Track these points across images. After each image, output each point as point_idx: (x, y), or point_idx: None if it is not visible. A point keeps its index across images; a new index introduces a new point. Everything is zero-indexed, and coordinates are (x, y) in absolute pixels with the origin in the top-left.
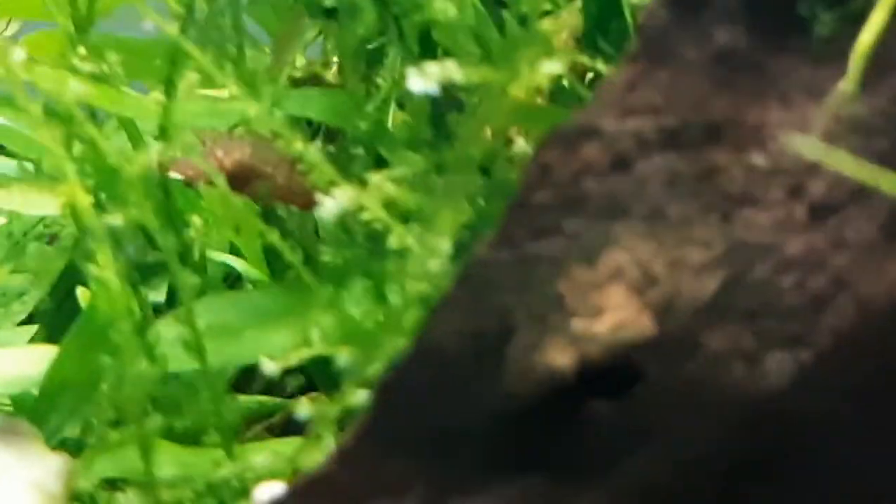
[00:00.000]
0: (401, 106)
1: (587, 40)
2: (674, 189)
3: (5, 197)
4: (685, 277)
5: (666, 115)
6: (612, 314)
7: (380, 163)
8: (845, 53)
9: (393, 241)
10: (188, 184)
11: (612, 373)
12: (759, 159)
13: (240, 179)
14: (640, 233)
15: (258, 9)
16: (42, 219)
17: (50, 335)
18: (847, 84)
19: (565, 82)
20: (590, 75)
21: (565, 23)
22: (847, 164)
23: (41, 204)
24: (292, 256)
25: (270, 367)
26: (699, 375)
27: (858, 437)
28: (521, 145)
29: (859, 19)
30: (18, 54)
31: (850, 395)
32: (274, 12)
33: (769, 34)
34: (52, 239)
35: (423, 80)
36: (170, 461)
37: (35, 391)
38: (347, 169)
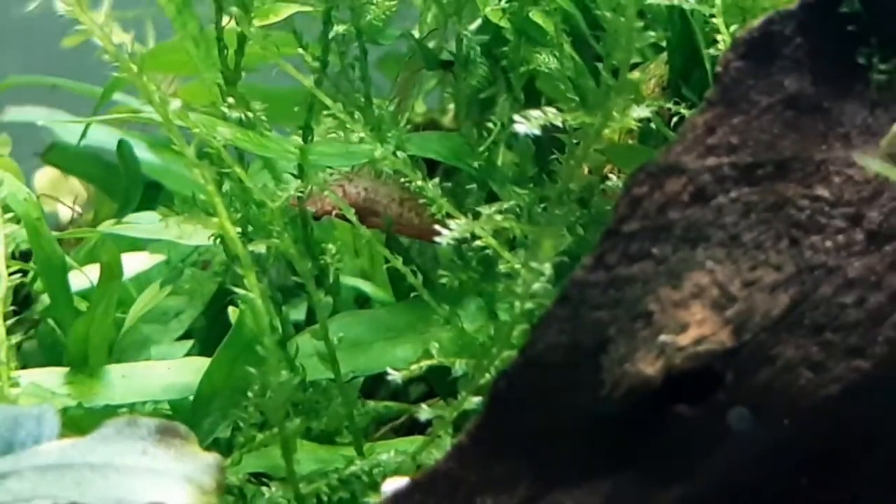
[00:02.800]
0: (508, 147)
1: (672, 88)
2: (748, 218)
3: (165, 230)
4: (759, 296)
5: (741, 153)
6: (695, 329)
7: (490, 197)
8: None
9: (502, 266)
10: (323, 217)
11: (695, 380)
12: (823, 192)
13: (367, 212)
14: (719, 257)
15: (383, 62)
16: (196, 248)
17: (203, 349)
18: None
19: (653, 125)
20: (674, 119)
21: (652, 73)
22: None
23: (195, 235)
24: (414, 280)
25: (395, 376)
26: (772, 382)
27: None
28: (614, 181)
29: None
30: (175, 104)
31: None
32: (396, 65)
33: (832, 81)
34: (205, 265)
35: (528, 124)
36: (308, 458)
37: (190, 397)
38: (462, 202)
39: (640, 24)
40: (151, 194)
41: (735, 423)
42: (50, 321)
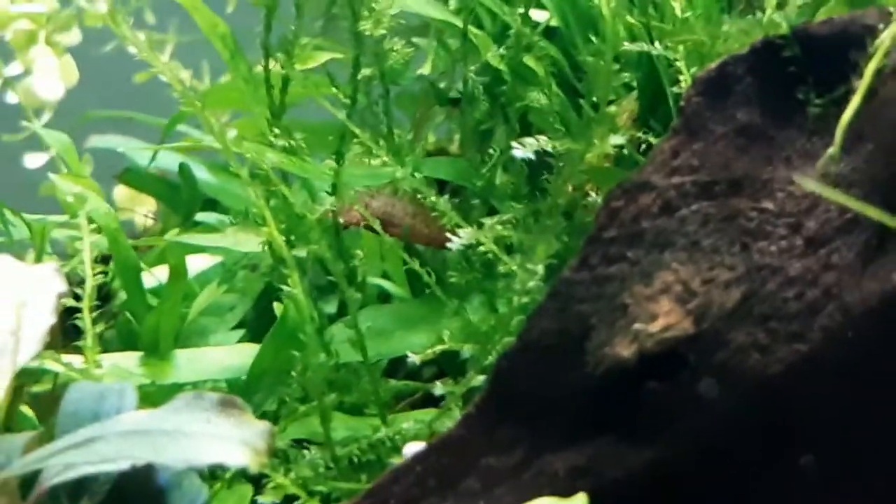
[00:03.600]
0: (505, 169)
1: (641, 120)
2: (706, 227)
3: (222, 238)
4: (715, 291)
5: (700, 173)
6: (663, 319)
7: (491, 211)
8: (832, 127)
9: (501, 267)
10: (352, 227)
11: (663, 361)
12: (768, 205)
13: (388, 224)
14: (682, 259)
15: (401, 99)
16: (247, 254)
17: (253, 337)
18: (832, 150)
19: (626, 151)
20: (644, 146)
21: (625, 108)
22: (837, 197)
23: (247, 242)
24: (428, 279)
25: (413, 359)
26: (727, 362)
27: (843, 406)
28: (594, 197)
29: (841, 102)
30: (231, 133)
31: (835, 375)
32: (413, 102)
33: (776, 113)
34: (254, 268)
35: (523, 149)
36: (341, 427)
37: (243, 377)
38: (467, 215)
39: (616, 67)
40: (209, 209)
41: (704, 392)
42: (126, 314)
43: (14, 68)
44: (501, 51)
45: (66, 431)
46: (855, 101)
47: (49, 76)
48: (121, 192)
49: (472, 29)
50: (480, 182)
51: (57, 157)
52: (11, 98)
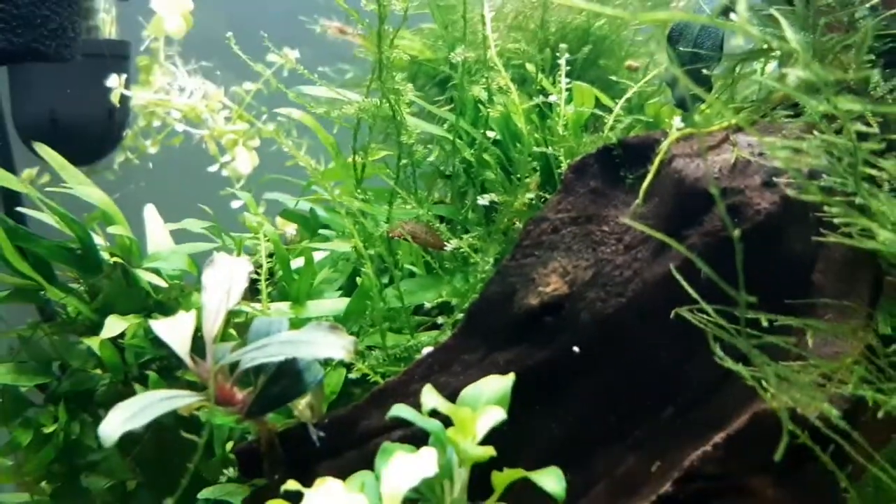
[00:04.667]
0: (473, 210)
1: (542, 186)
2: (574, 240)
3: (330, 245)
4: (579, 272)
5: (571, 212)
6: (552, 285)
7: (466, 231)
8: (637, 190)
9: (472, 260)
10: (396, 238)
11: (552, 307)
12: (606, 228)
13: (414, 237)
14: (562, 256)
15: (422, 175)
16: (343, 252)
17: (346, 294)
18: (638, 201)
19: (534, 202)
20: (543, 199)
21: (533, 180)
22: (639, 226)
23: (343, 247)
24: (434, 265)
25: (428, 305)
26: (585, 307)
27: (640, 327)
28: (518, 224)
29: (643, 177)
30: (336, 192)
31: (638, 313)
32: (427, 177)
33: (609, 183)
34: (347, 259)
35: (483, 200)
36: (391, 340)
37: (341, 315)
38: (455, 233)
39: (529, 159)
40: (324, 228)
41: (569, 325)
42: (282, 282)
43: (226, 158)
44: (471, 151)
45: (252, 341)
46: (650, 177)
47: (243, 161)
48: (280, 221)
49: (457, 140)
50: (461, 217)
51: (247, 203)
52: (224, 173)
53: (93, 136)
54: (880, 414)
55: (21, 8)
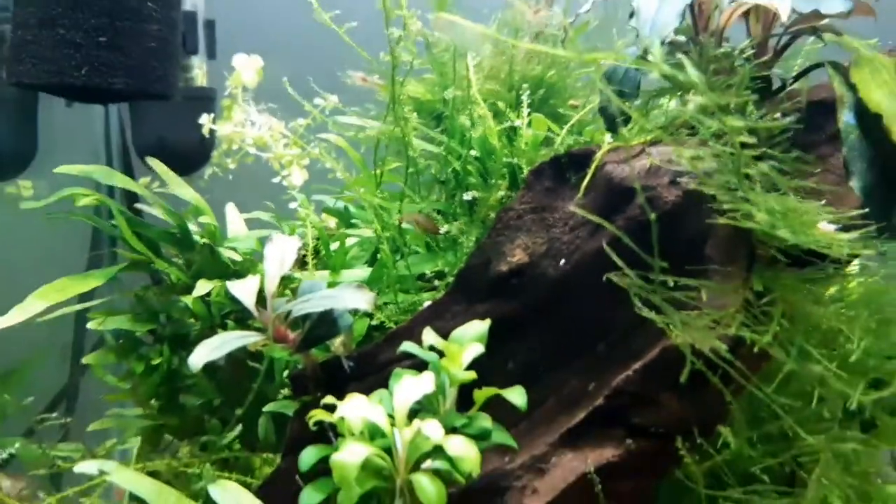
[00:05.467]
0: (461, 205)
1: (509, 187)
2: (533, 224)
3: (359, 231)
4: (536, 248)
5: (532, 203)
6: (517, 256)
7: (455, 219)
8: (579, 187)
9: (460, 240)
10: (405, 225)
11: (517, 272)
12: (557, 215)
13: (419, 224)
14: (524, 235)
15: (424, 182)
16: (368, 237)
17: (370, 265)
18: (580, 195)
19: (503, 198)
20: (511, 196)
21: (503, 184)
22: (581, 211)
23: (368, 233)
24: (432, 244)
25: (428, 273)
26: (542, 272)
27: (578, 286)
28: (493, 215)
29: (583, 178)
30: (361, 193)
31: (578, 275)
32: (427, 183)
33: (559, 182)
34: (371, 241)
35: (468, 196)
36: (401, 297)
37: (366, 279)
38: (447, 221)
39: (501, 168)
40: (354, 219)
41: (529, 284)
42: (325, 258)
43: (285, 172)
44: (459, 163)
45: (300, 296)
46: (588, 178)
47: (297, 176)
48: (323, 216)
49: (448, 155)
50: (451, 210)
51: (301, 202)
52: (284, 183)
53: (189, 155)
54: (755, 349)
55: (135, 59)
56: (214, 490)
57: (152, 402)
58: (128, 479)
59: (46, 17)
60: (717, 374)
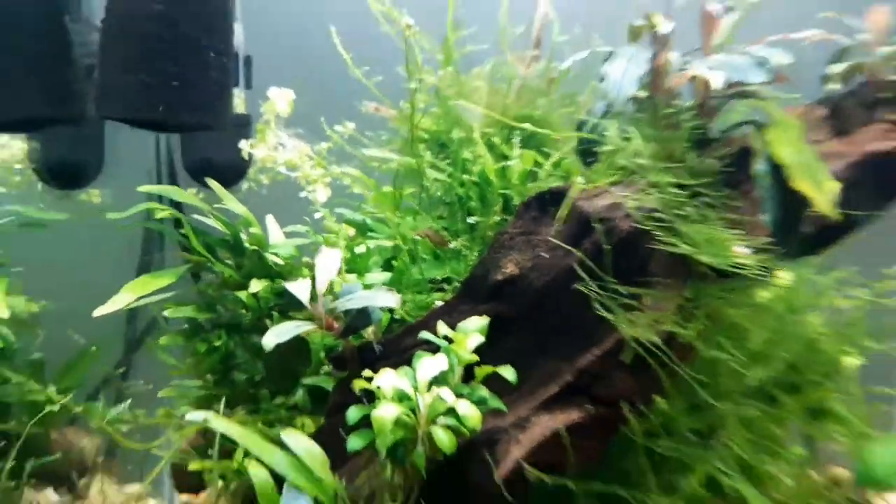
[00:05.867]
0: (464, 224)
1: (503, 212)
2: (522, 245)
3: (377, 241)
4: (525, 262)
5: (521, 228)
6: (510, 269)
7: (459, 236)
8: (553, 217)
9: (464, 253)
10: (420, 238)
11: (511, 281)
12: (540, 238)
13: (431, 238)
14: (515, 253)
15: (432, 203)
16: (386, 246)
17: (387, 270)
18: (557, 224)
19: (499, 221)
20: (506, 221)
21: (498, 209)
22: (554, 241)
23: (386, 242)
24: (441, 255)
25: (438, 278)
26: (527, 282)
27: (558, 292)
28: (491, 234)
29: (561, 210)
30: (376, 210)
31: (558, 285)
32: (435, 203)
33: (542, 213)
34: (387, 249)
35: (471, 219)
36: (417, 299)
37: (387, 282)
38: (453, 237)
39: (498, 196)
40: (372, 231)
41: (521, 287)
42: (350, 263)
43: (311, 188)
44: (462, 189)
45: (343, 296)
46: (563, 210)
47: (321, 192)
48: (344, 226)
49: (454, 183)
50: (456, 228)
51: (324, 214)
52: (309, 197)
53: (230, 171)
54: (684, 342)
55: (199, 99)
56: (286, 436)
57: (208, 376)
58: (221, 425)
59: (129, 65)
60: (655, 359)
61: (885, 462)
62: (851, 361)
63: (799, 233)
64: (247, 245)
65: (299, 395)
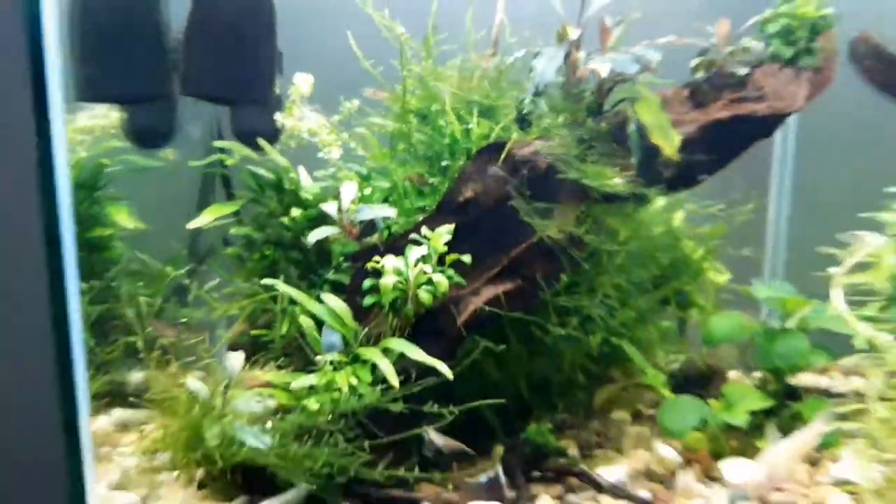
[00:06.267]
0: (438, 169)
1: (466, 160)
2: (478, 178)
3: (378, 184)
4: (479, 189)
5: (476, 167)
6: (469, 194)
7: (434, 177)
8: (498, 160)
9: (439, 188)
10: (410, 180)
11: (469, 202)
12: (489, 174)
13: (415, 180)
14: (473, 182)
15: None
16: (381, 188)
17: (383, 202)
18: (499, 163)
19: (464, 166)
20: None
21: (463, 158)
22: (498, 175)
23: (385, 184)
24: (424, 191)
25: (420, 204)
26: (479, 202)
27: (501, 216)
28: (457, 175)
29: (500, 157)
30: (375, 161)
31: (500, 206)
32: (418, 158)
33: (491, 158)
34: (381, 192)
35: (444, 163)
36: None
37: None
38: (433, 177)
39: (464, 150)
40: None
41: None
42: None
43: (327, 149)
44: (438, 145)
45: (359, 212)
46: (503, 155)
47: (335, 152)
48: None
49: (433, 142)
50: (433, 173)
51: (338, 167)
52: (325, 156)
53: (268, 137)
54: (576, 237)
55: (256, 81)
56: (324, 296)
57: (254, 279)
58: (284, 287)
59: (207, 54)
60: (560, 251)
61: (719, 327)
62: (716, 276)
63: (657, 171)
64: (287, 186)
65: (326, 287)
